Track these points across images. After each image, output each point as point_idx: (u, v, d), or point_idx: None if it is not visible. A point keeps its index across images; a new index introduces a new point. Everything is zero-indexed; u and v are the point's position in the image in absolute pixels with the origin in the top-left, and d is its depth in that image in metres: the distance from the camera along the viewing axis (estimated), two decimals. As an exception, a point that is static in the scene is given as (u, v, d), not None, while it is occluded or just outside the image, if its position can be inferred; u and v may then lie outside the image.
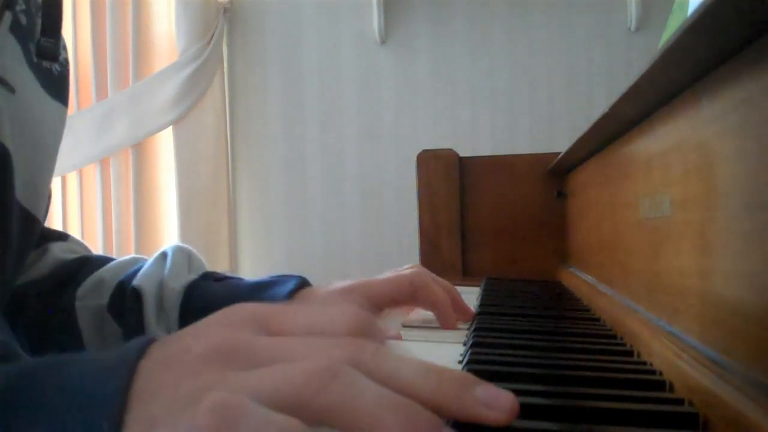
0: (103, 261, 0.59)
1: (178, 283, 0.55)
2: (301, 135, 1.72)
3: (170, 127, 1.68)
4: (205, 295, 0.55)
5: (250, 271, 1.73)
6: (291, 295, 0.53)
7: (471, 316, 0.58)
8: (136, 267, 0.58)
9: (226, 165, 1.75)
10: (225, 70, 1.74)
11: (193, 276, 0.57)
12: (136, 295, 0.54)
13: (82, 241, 0.64)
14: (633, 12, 1.53)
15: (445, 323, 0.55)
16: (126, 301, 0.54)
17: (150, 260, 0.58)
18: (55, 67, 0.47)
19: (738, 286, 0.30)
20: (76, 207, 1.76)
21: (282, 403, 0.20)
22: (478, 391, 0.22)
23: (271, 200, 1.75)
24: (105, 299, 0.55)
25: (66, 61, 0.50)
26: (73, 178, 1.76)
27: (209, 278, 0.58)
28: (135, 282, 0.54)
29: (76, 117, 1.70)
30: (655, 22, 1.53)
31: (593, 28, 1.59)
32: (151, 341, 0.23)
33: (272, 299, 0.53)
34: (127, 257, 0.60)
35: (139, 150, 1.69)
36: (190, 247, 0.61)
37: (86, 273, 0.57)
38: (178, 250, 0.59)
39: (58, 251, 0.59)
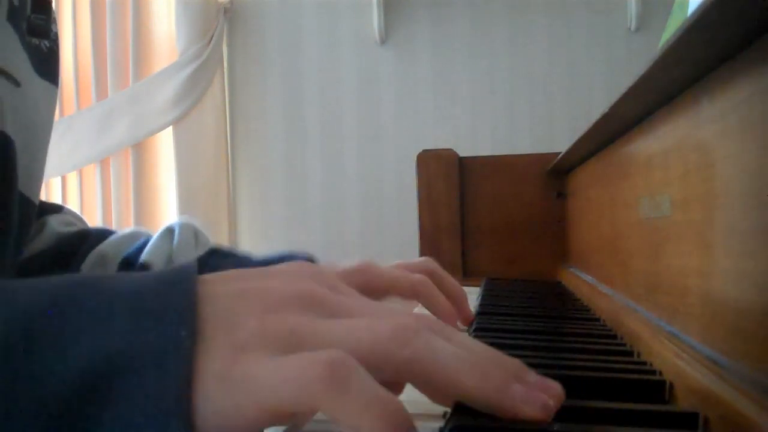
0: (103, 234, 0.59)
1: (184, 260, 0.55)
2: (301, 135, 1.72)
3: (170, 127, 1.68)
4: (215, 271, 0.55)
5: (250, 271, 1.73)
6: None
7: (470, 321, 0.58)
8: (140, 242, 0.57)
9: (226, 165, 1.75)
10: (225, 70, 1.74)
11: (200, 252, 0.57)
12: (145, 270, 0.53)
13: (76, 212, 0.64)
14: (633, 12, 1.53)
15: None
16: None
17: (156, 235, 0.57)
18: (44, 43, 0.46)
19: (738, 286, 0.30)
20: (76, 207, 1.76)
21: (368, 354, 0.20)
22: (531, 376, 0.24)
23: (271, 200, 1.75)
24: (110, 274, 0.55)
25: (56, 35, 0.49)
26: (73, 178, 1.76)
27: (216, 254, 0.58)
28: (143, 257, 0.54)
29: (76, 117, 1.70)
30: (655, 22, 1.53)
31: (593, 28, 1.59)
32: (199, 270, 0.23)
33: None
34: (126, 231, 0.60)
35: (139, 150, 1.69)
36: (195, 223, 0.61)
37: (88, 247, 0.56)
38: (185, 226, 0.59)
39: (55, 224, 0.59)
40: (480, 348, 0.24)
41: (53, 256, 0.56)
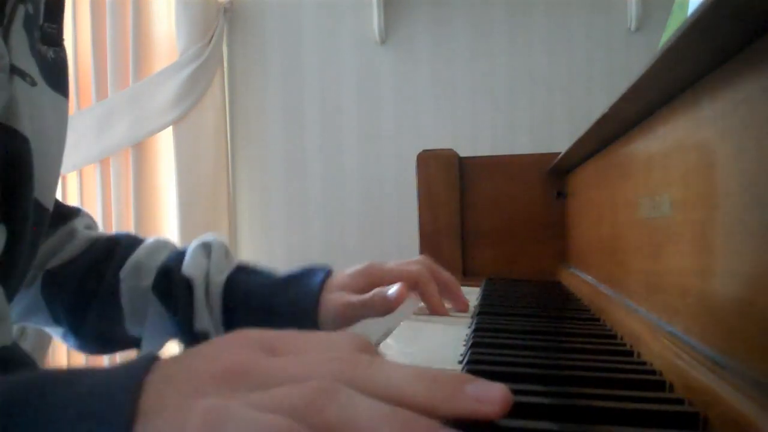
0: (131, 241, 0.64)
1: (220, 277, 0.61)
2: (301, 135, 1.72)
3: (170, 127, 1.68)
4: (244, 287, 0.61)
5: (250, 271, 1.73)
6: (321, 287, 0.59)
7: (466, 306, 0.65)
8: (173, 252, 0.63)
9: (226, 165, 1.75)
10: (225, 70, 1.74)
11: (230, 270, 0.62)
12: (187, 284, 0.60)
13: (89, 213, 0.68)
14: (633, 12, 1.53)
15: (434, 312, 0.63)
16: (174, 287, 0.60)
17: (192, 249, 0.62)
18: (53, 52, 0.47)
19: (738, 286, 0.30)
20: (76, 207, 1.76)
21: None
22: (469, 388, 0.22)
23: (271, 200, 1.75)
24: (146, 281, 0.61)
25: (63, 46, 0.49)
26: (73, 178, 1.76)
27: (243, 271, 0.63)
28: (186, 270, 0.60)
29: (76, 117, 1.69)
30: (655, 22, 1.53)
31: (593, 28, 1.59)
32: (156, 358, 0.24)
33: (306, 290, 0.60)
34: (151, 240, 0.65)
35: (139, 150, 1.69)
36: (225, 241, 0.66)
37: (124, 255, 0.62)
38: (219, 244, 0.64)
39: (82, 228, 0.64)
40: (405, 382, 0.23)
41: (88, 263, 0.61)
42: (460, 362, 0.41)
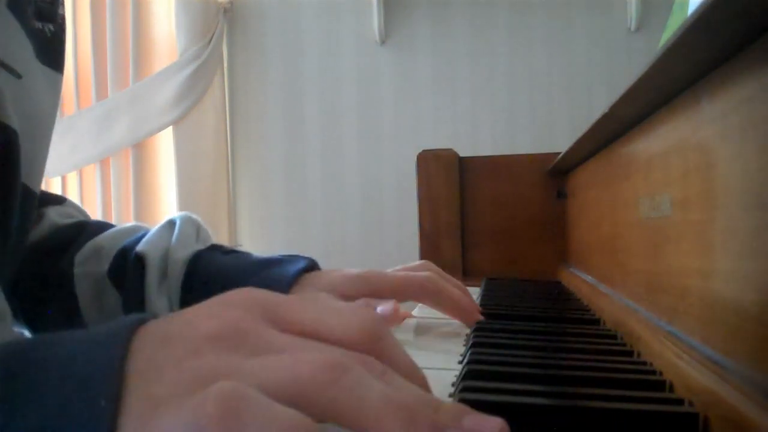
0: (102, 227, 0.58)
1: (184, 252, 0.54)
2: (301, 135, 1.72)
3: (170, 127, 1.68)
4: (210, 266, 0.54)
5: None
6: (298, 275, 0.51)
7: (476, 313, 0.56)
8: (138, 234, 0.56)
9: (226, 165, 1.75)
10: (225, 70, 1.74)
11: (200, 246, 0.56)
12: (140, 261, 0.53)
13: (78, 204, 0.63)
14: (633, 12, 1.53)
15: (467, 318, 0.54)
16: (128, 268, 0.53)
17: (156, 227, 0.56)
18: (49, 27, 0.45)
19: (738, 286, 0.30)
20: (76, 207, 1.76)
21: (287, 395, 0.20)
22: (467, 420, 0.21)
23: (271, 200, 1.75)
24: (104, 266, 0.54)
25: (63, 18, 0.48)
26: (73, 178, 1.76)
27: (216, 250, 0.56)
28: (139, 247, 0.53)
29: (76, 117, 1.70)
30: (655, 22, 1.53)
31: (593, 28, 1.59)
32: (146, 318, 0.22)
33: (278, 277, 0.51)
34: (127, 225, 0.59)
35: (139, 150, 1.69)
36: (199, 218, 0.59)
37: (84, 239, 0.56)
38: (187, 220, 0.58)
39: (54, 216, 0.58)
40: (414, 387, 0.22)
41: (49, 247, 0.55)
42: (461, 362, 0.41)
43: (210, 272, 0.53)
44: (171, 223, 0.57)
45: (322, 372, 0.20)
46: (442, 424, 0.20)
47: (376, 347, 0.24)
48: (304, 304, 0.25)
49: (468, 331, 0.52)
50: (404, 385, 0.22)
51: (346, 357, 0.21)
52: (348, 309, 0.25)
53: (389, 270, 0.55)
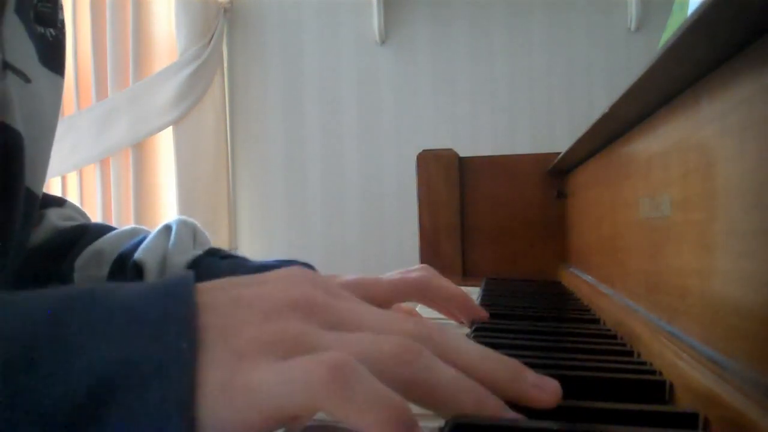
0: (102, 230, 0.58)
1: (182, 258, 0.54)
2: (301, 135, 1.72)
3: (170, 127, 1.68)
4: (210, 272, 0.52)
5: (250, 271, 1.73)
6: None
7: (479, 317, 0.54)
8: (137, 239, 0.56)
9: (226, 165, 1.75)
10: (225, 70, 1.75)
11: (198, 251, 0.56)
12: (138, 269, 0.53)
13: (78, 205, 0.63)
14: (633, 12, 1.53)
15: (464, 313, 0.52)
16: (127, 275, 0.53)
17: (153, 233, 0.56)
18: (50, 32, 0.46)
19: (738, 286, 0.30)
20: (76, 207, 1.76)
21: (369, 368, 0.20)
22: (530, 375, 0.25)
23: (271, 200, 1.75)
24: (104, 271, 0.54)
25: (62, 23, 0.48)
26: (73, 178, 1.76)
27: (214, 255, 0.57)
28: (137, 255, 0.53)
29: (76, 117, 1.70)
30: (655, 22, 1.53)
31: (593, 28, 1.59)
32: (191, 278, 0.23)
33: None
34: (127, 227, 0.59)
35: (139, 150, 1.69)
36: (195, 221, 0.59)
37: (85, 243, 0.56)
38: (183, 224, 0.57)
39: (54, 218, 0.58)
40: (474, 357, 0.24)
41: (49, 250, 0.55)
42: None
43: (209, 279, 0.52)
44: (167, 228, 0.57)
45: (400, 352, 0.22)
46: (503, 405, 0.23)
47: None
48: (351, 298, 0.26)
49: (468, 331, 0.52)
50: (462, 344, 0.25)
51: (411, 333, 0.23)
52: (391, 313, 0.26)
53: (386, 274, 0.53)
